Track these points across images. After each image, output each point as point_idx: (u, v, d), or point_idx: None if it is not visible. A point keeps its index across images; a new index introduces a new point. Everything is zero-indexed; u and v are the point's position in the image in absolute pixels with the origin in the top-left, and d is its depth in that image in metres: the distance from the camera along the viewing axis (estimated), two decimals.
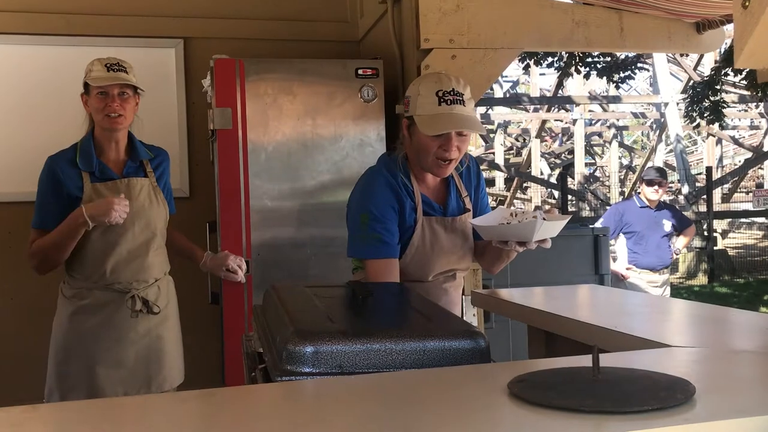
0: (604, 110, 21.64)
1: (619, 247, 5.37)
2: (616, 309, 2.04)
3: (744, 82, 9.27)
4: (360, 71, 3.21)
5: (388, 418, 1.02)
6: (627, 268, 5.22)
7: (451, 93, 1.98)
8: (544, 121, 21.08)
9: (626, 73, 9.61)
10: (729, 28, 3.66)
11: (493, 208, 2.17)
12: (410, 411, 1.04)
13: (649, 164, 17.18)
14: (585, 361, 1.11)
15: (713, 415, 0.97)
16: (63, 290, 2.59)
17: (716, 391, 1.10)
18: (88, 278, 2.53)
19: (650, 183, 5.30)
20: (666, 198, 5.54)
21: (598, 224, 5.41)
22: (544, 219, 1.90)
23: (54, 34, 3.61)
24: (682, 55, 14.72)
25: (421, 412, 1.04)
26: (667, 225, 5.28)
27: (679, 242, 5.51)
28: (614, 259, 5.39)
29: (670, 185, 16.44)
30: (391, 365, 1.25)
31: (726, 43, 7.55)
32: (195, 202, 3.70)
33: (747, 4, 1.16)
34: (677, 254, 5.52)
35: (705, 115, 9.74)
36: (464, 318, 2.29)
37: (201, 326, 3.56)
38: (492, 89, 19.31)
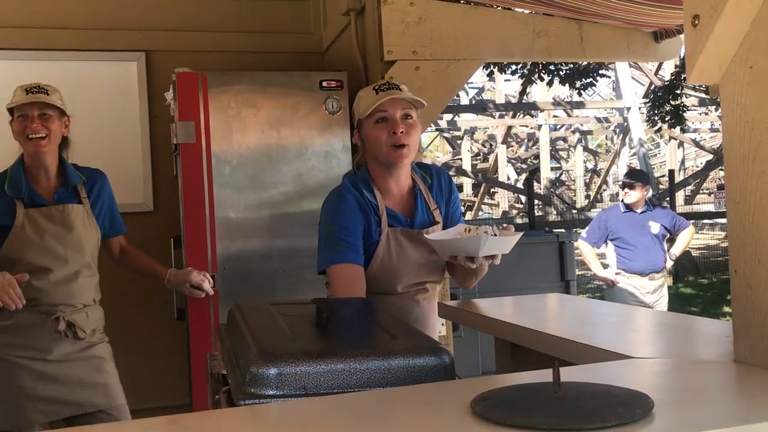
0: (569, 115, 21.95)
1: (609, 253, 5.20)
2: (582, 319, 2.05)
3: (704, 86, 9.39)
4: (324, 83, 3.21)
5: None
6: (616, 273, 5.05)
7: (386, 84, 2.07)
8: (509, 127, 21.31)
9: (588, 80, 9.72)
10: None
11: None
12: None
13: (617, 166, 17.40)
14: (548, 375, 1.12)
15: (671, 429, 0.99)
16: None
17: (675, 404, 1.11)
18: None
19: (622, 187, 5.23)
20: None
21: (583, 233, 5.26)
22: (494, 234, 1.91)
23: (11, 48, 3.55)
24: None
25: None
26: (655, 227, 5.06)
27: (676, 247, 5.28)
28: (605, 266, 5.23)
29: None
30: (356, 385, 1.24)
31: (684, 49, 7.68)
32: (159, 216, 3.67)
33: (696, 22, 1.18)
34: (672, 259, 5.26)
35: (666, 119, 9.89)
36: (434, 327, 2.29)
37: (168, 343, 3.53)
38: (458, 96, 19.45)
